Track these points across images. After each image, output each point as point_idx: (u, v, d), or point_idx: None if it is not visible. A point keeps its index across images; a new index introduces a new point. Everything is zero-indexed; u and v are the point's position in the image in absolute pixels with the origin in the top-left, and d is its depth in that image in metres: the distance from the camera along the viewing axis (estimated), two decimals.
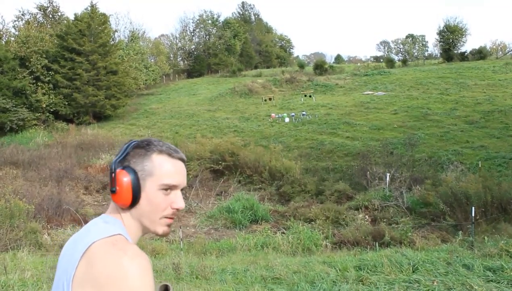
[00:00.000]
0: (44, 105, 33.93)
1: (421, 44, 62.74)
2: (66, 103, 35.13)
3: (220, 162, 17.64)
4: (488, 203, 11.34)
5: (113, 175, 1.34)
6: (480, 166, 16.12)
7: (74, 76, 35.07)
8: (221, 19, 68.34)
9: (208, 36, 67.07)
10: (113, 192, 1.34)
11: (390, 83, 35.83)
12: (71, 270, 1.22)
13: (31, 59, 34.78)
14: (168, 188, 1.37)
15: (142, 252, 1.24)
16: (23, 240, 9.15)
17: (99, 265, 1.18)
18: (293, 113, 28.28)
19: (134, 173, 1.33)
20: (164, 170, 1.36)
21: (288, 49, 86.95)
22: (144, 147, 1.37)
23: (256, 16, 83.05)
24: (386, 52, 72.35)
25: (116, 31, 50.42)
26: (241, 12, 79.84)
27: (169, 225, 1.40)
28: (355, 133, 23.02)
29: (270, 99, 34.05)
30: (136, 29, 54.45)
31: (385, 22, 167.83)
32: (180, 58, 66.76)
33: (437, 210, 12.04)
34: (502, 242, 6.86)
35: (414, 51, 61.90)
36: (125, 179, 1.32)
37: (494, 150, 18.38)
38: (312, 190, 15.29)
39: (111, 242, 1.23)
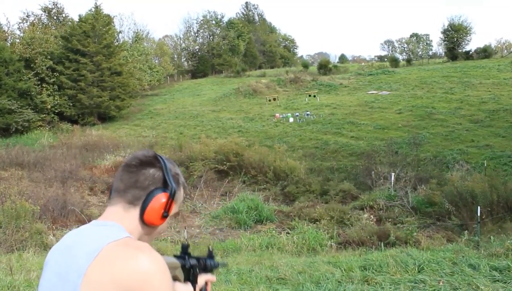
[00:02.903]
0: (49, 107, 34.08)
1: (425, 43, 62.64)
2: (71, 104, 35.28)
3: (224, 162, 17.64)
4: (494, 202, 11.28)
5: (170, 200, 1.38)
6: (485, 165, 16.04)
7: (79, 78, 35.22)
8: (225, 19, 68.54)
9: (212, 37, 67.16)
10: (165, 216, 1.38)
11: (394, 82, 35.74)
12: (77, 277, 1.20)
13: (36, 61, 34.95)
14: None
15: (153, 249, 1.29)
16: (29, 240, 9.18)
17: (119, 265, 1.19)
18: (297, 113, 28.26)
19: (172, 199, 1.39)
20: (179, 202, 1.46)
21: (292, 49, 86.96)
22: (177, 177, 1.45)
23: (260, 16, 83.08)
24: (390, 51, 72.31)
25: (120, 32, 50.62)
26: (244, 13, 79.88)
27: None
28: (360, 133, 22.97)
29: (274, 99, 34.04)
30: (140, 30, 54.69)
31: (389, 22, 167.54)
32: (184, 59, 66.88)
33: (443, 210, 11.98)
34: (509, 241, 6.82)
35: (419, 50, 61.77)
36: (163, 200, 1.37)
37: (499, 149, 18.29)
38: (317, 190, 15.26)
39: (124, 243, 1.25)
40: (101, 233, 1.29)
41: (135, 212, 1.36)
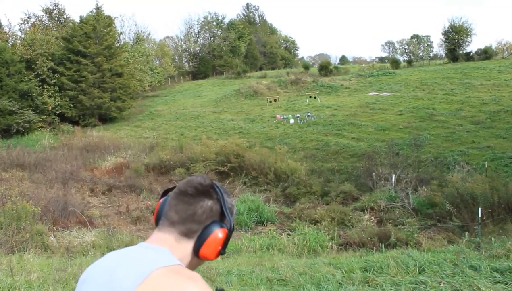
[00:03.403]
0: (50, 108, 34.09)
1: (426, 45, 62.65)
2: (72, 105, 35.28)
3: (225, 164, 17.64)
4: (495, 203, 11.27)
5: (228, 236, 1.35)
6: (486, 166, 16.02)
7: (80, 79, 35.24)
8: (226, 20, 68.60)
9: (213, 38, 67.22)
10: (222, 254, 1.36)
11: (395, 84, 35.74)
12: None
13: (37, 62, 34.98)
14: None
15: (204, 281, 1.24)
16: (29, 242, 9.18)
17: None
18: (298, 115, 28.25)
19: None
20: None
21: (293, 50, 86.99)
22: (233, 209, 1.43)
23: (261, 17, 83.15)
24: (391, 52, 72.29)
25: (121, 33, 50.71)
26: (245, 14, 79.94)
27: None
28: (361, 134, 22.97)
29: (275, 100, 34.04)
30: (141, 31, 54.70)
31: (390, 23, 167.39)
32: (185, 60, 66.95)
33: (443, 211, 11.97)
34: (509, 243, 6.82)
35: (419, 51, 61.77)
36: (220, 235, 1.34)
37: (500, 150, 18.27)
38: (318, 191, 15.25)
39: (176, 271, 1.21)
40: (148, 256, 1.25)
41: (189, 244, 1.32)
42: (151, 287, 1.16)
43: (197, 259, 1.33)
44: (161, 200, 1.42)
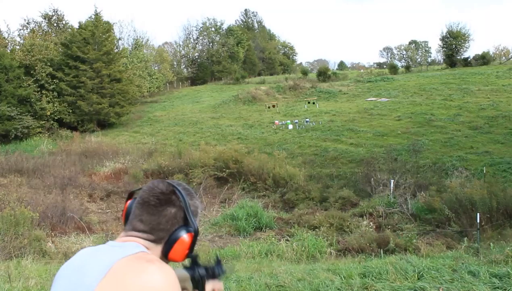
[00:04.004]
0: (48, 113, 34.11)
1: (424, 50, 62.77)
2: (71, 111, 35.30)
3: (224, 169, 17.65)
4: (494, 208, 11.28)
5: (194, 239, 1.40)
6: (485, 171, 16.04)
7: (78, 84, 35.27)
8: (224, 26, 68.72)
9: (211, 44, 67.37)
10: (189, 256, 1.44)
11: (393, 89, 35.82)
12: None
13: (36, 68, 35.02)
14: None
15: (164, 263, 1.29)
16: (27, 247, 9.16)
17: (130, 279, 1.19)
18: (297, 120, 28.29)
19: None
20: None
21: (291, 56, 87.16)
22: (197, 210, 1.48)
23: (259, 23, 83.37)
24: (389, 58, 72.52)
25: (120, 39, 50.79)
26: (244, 20, 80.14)
27: None
28: (359, 140, 22.99)
29: (273, 106, 34.09)
30: (140, 37, 54.77)
31: (388, 29, 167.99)
32: (183, 66, 67.02)
33: (442, 216, 11.97)
34: (508, 248, 6.81)
35: (417, 57, 61.89)
36: (187, 240, 1.40)
37: (498, 156, 18.30)
38: (316, 197, 15.25)
39: (136, 257, 1.26)
40: (115, 252, 1.28)
41: (157, 248, 1.37)
42: (112, 278, 1.19)
43: (166, 260, 1.38)
44: (128, 202, 1.47)
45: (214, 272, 1.60)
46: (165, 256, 1.36)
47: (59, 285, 1.30)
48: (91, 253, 1.33)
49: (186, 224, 1.38)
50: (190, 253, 1.39)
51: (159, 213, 1.36)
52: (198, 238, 1.40)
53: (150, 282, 1.19)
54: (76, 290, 1.23)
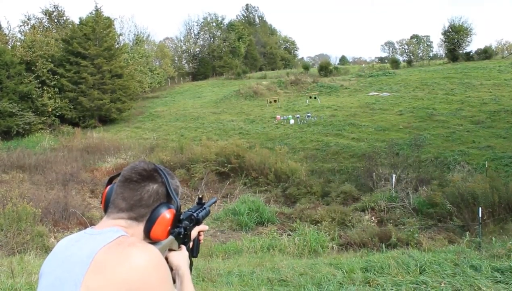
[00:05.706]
0: (50, 109, 34.12)
1: (426, 45, 62.57)
2: (72, 107, 35.29)
3: (225, 164, 17.65)
4: (495, 203, 11.27)
5: (176, 216, 1.41)
6: (486, 166, 16.02)
7: (80, 80, 35.26)
8: (226, 21, 68.56)
9: (212, 39, 67.21)
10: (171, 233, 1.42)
11: (395, 84, 35.75)
12: (74, 288, 1.19)
13: (37, 64, 34.99)
14: None
15: (146, 243, 1.29)
16: (30, 243, 9.18)
17: (115, 268, 1.19)
18: (298, 115, 28.26)
19: None
20: None
21: (292, 51, 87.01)
22: (178, 190, 1.49)
23: (261, 18, 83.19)
24: (391, 53, 72.25)
25: (121, 34, 50.67)
26: (245, 15, 79.98)
27: None
28: (361, 135, 22.97)
29: (275, 101, 34.03)
30: (141, 32, 54.67)
31: (390, 23, 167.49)
32: (185, 61, 66.93)
33: (444, 211, 11.96)
34: (510, 242, 6.81)
35: (419, 51, 61.71)
36: (169, 216, 1.40)
37: (500, 150, 18.27)
38: (318, 191, 15.25)
39: (116, 243, 1.25)
40: (95, 240, 1.28)
41: (139, 227, 1.36)
42: (97, 270, 1.19)
43: (149, 240, 1.37)
44: (108, 188, 1.47)
45: (198, 218, 1.59)
46: (146, 234, 1.36)
47: (46, 281, 1.28)
48: (72, 243, 1.32)
49: (168, 201, 1.39)
50: (173, 229, 1.39)
51: (141, 188, 1.36)
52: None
53: (134, 265, 1.19)
54: (63, 286, 1.21)
